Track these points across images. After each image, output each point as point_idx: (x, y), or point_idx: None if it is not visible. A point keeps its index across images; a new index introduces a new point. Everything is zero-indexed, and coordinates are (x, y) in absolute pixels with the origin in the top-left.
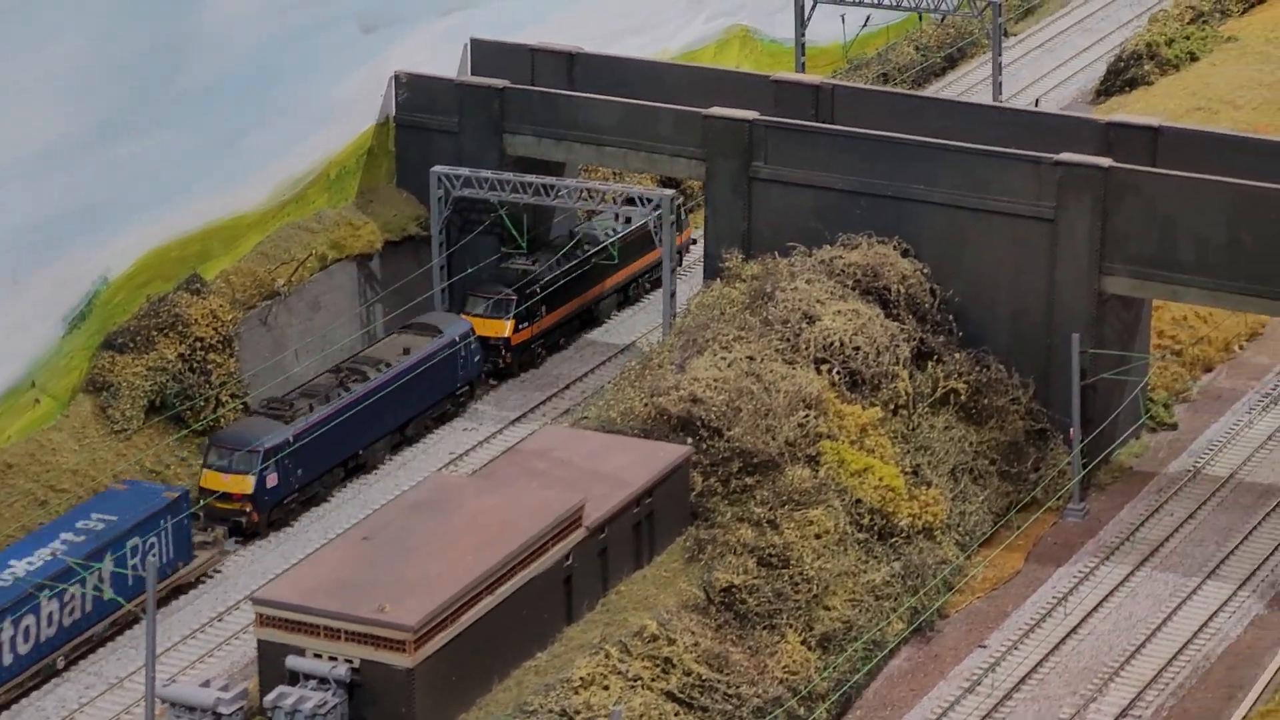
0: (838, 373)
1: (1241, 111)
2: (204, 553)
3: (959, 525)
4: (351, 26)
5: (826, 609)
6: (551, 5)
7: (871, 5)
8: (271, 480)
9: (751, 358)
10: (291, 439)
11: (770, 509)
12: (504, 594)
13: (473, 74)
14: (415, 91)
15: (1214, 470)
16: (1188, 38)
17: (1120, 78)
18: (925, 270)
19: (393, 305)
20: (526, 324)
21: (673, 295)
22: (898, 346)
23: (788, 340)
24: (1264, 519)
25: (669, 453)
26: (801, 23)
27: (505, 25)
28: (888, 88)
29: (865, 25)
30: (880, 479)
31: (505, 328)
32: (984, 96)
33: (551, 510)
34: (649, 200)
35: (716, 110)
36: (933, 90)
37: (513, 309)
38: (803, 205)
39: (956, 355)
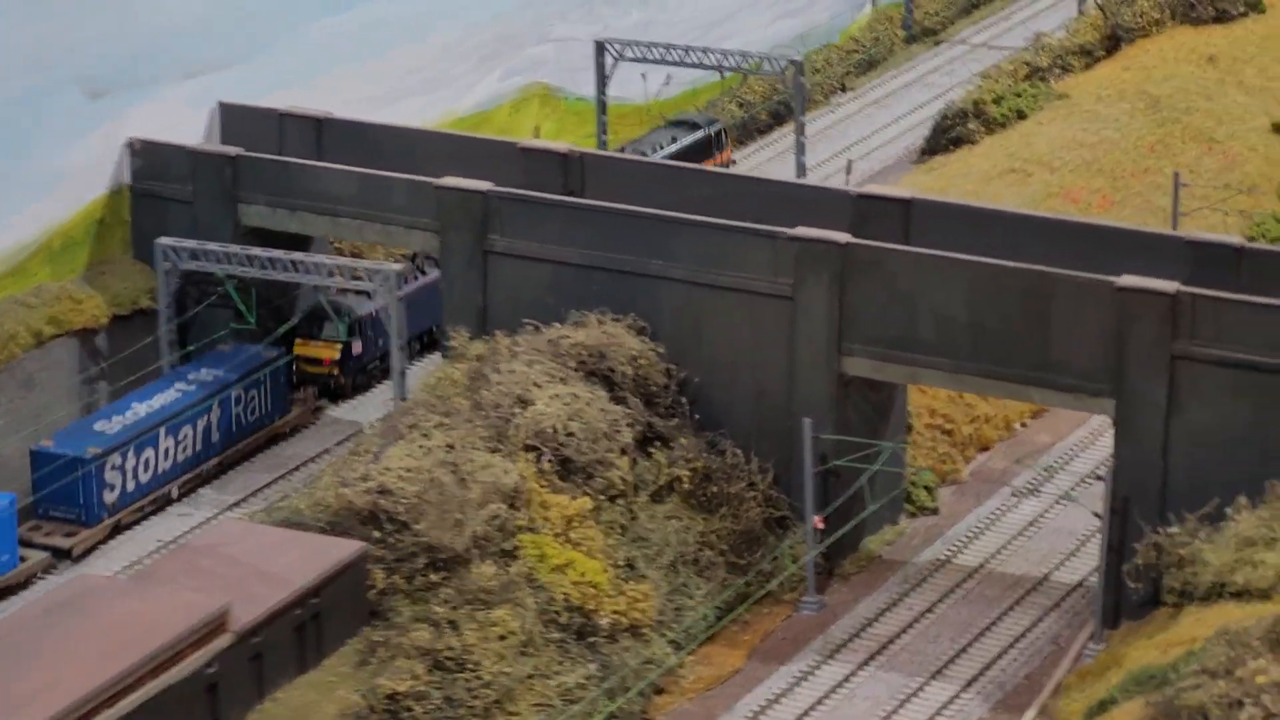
0: (549, 460)
1: (1056, 174)
2: (297, 407)
3: (674, 621)
4: (75, 92)
5: (510, 715)
6: (327, 64)
7: (672, 64)
8: (356, 348)
9: (451, 445)
10: (374, 312)
11: (452, 608)
12: (130, 706)
13: (222, 140)
14: (149, 159)
15: (965, 559)
16: (1018, 94)
17: (946, 136)
18: (660, 349)
19: (118, 380)
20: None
21: (402, 374)
22: (618, 432)
23: (497, 426)
24: (1005, 613)
25: (341, 549)
26: (602, 80)
27: (270, 86)
28: (638, 156)
29: (666, 82)
30: (581, 574)
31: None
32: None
33: (191, 614)
34: (375, 273)
35: (449, 181)
36: (753, 149)
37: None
38: (539, 280)
39: (688, 440)
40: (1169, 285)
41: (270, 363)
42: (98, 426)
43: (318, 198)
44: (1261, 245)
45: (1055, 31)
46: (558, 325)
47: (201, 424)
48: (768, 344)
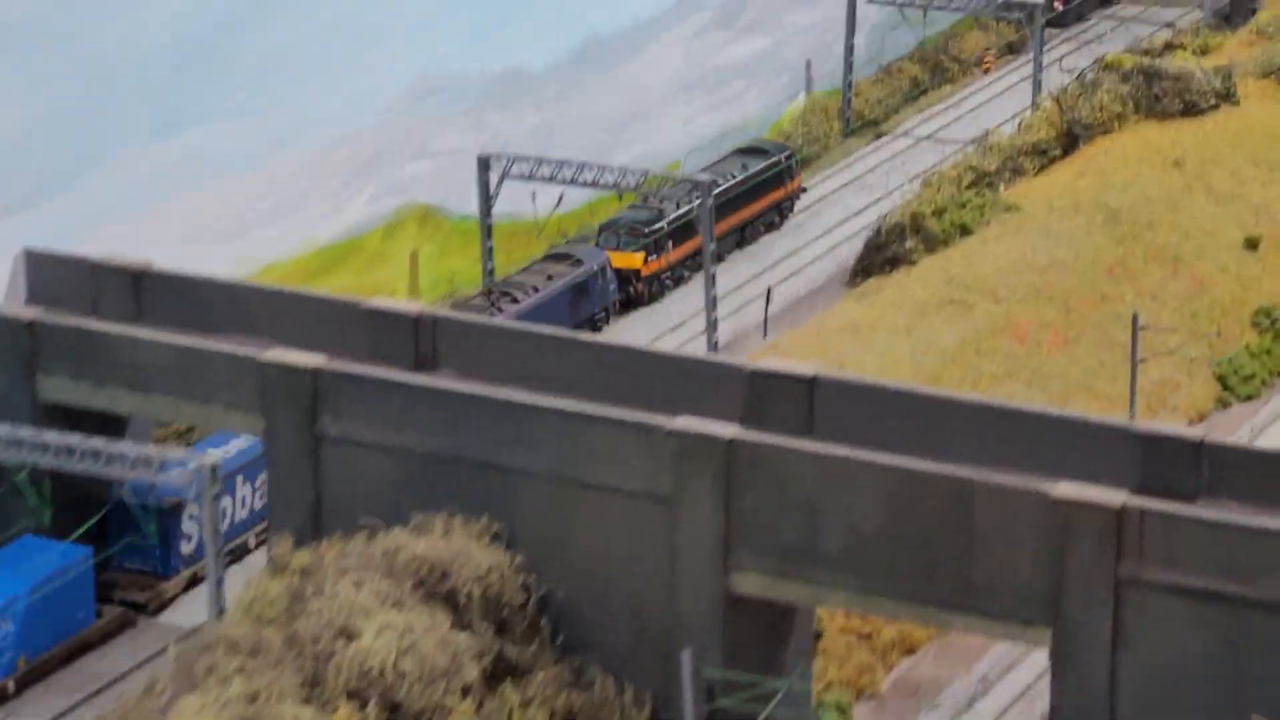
0: (375, 707)
1: (1002, 304)
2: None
3: None
4: None
5: None
6: (161, 194)
7: (564, 182)
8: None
9: (255, 696)
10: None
11: None
12: None
13: (28, 295)
14: None
15: None
16: (963, 205)
17: (881, 254)
18: (517, 559)
19: None
20: (655, 257)
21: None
22: (461, 667)
23: (313, 667)
24: None
25: None
26: (487, 199)
27: (93, 223)
28: (501, 321)
29: (559, 204)
30: None
31: (637, 260)
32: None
33: None
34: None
35: (274, 355)
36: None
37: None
38: (381, 473)
39: (548, 671)
40: (1114, 497)
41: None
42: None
43: (127, 370)
44: (1226, 441)
45: (1006, 126)
46: (398, 531)
47: None
48: (644, 554)
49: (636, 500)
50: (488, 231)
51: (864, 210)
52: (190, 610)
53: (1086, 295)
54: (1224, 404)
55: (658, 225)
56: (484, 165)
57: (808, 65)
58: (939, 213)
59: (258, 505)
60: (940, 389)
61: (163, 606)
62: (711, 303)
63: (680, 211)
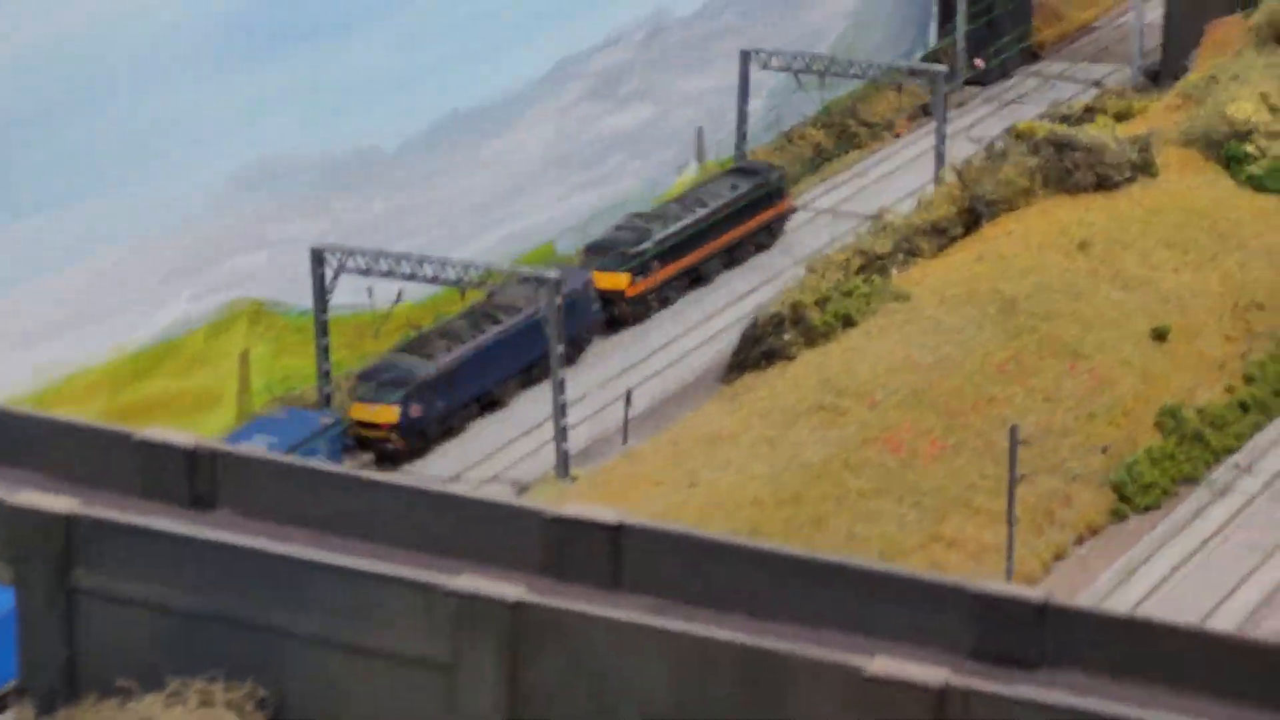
0: None
1: (877, 410)
2: None
3: None
4: None
5: None
6: None
7: (403, 277)
8: (415, 411)
9: None
10: (434, 373)
11: None
12: None
13: None
14: None
15: None
16: (848, 293)
17: (758, 348)
18: None
19: None
20: (641, 278)
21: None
22: None
23: None
24: None
25: None
26: (322, 294)
27: None
28: (284, 457)
29: (399, 299)
30: None
31: (623, 281)
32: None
33: None
34: None
35: (23, 498)
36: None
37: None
38: (140, 630)
39: None
40: (936, 674)
41: (325, 430)
42: None
43: None
44: (1070, 604)
45: (906, 203)
46: (150, 699)
47: None
48: None
49: (413, 667)
50: (323, 329)
51: (752, 293)
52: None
53: (972, 398)
54: (1120, 516)
55: (644, 246)
56: (318, 259)
57: (699, 133)
58: (822, 302)
59: None
60: (759, 540)
61: None
62: (560, 410)
63: (669, 231)
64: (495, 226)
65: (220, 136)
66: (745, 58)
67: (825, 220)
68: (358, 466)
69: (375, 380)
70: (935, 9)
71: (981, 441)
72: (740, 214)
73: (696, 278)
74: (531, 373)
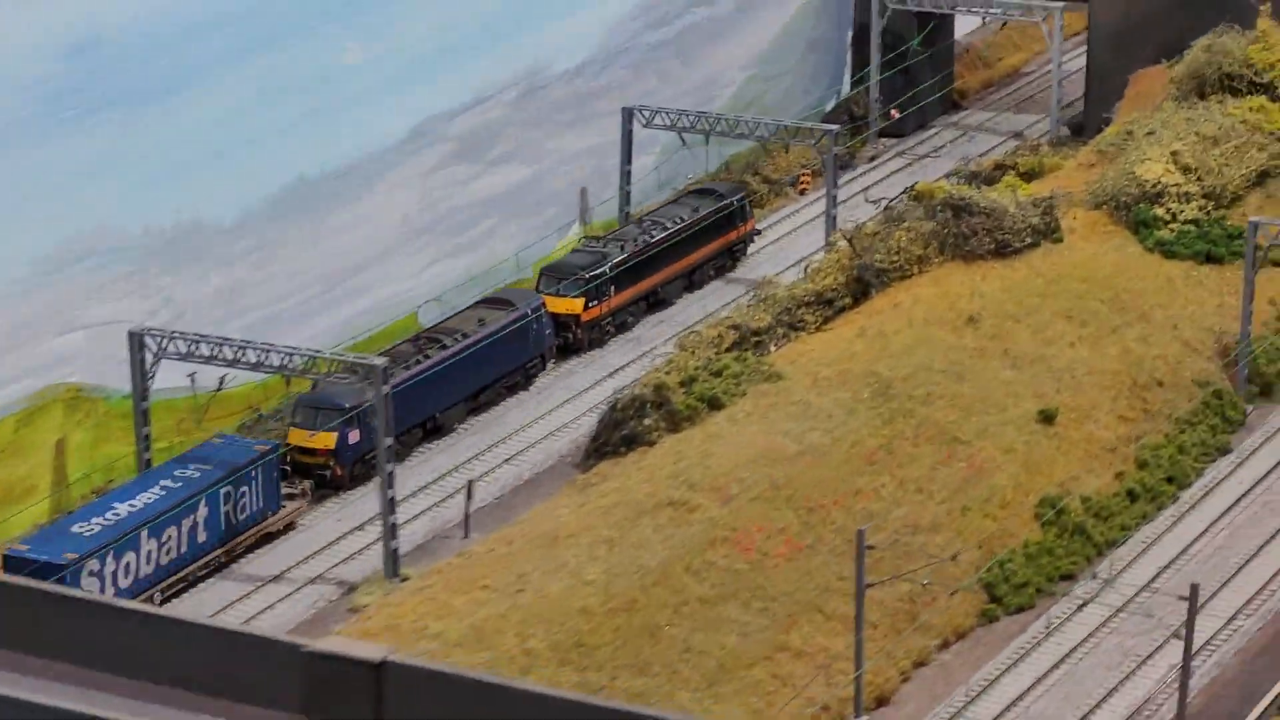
0: None
1: (731, 505)
2: (291, 503)
3: None
4: None
5: None
6: None
7: (225, 363)
8: (353, 437)
9: None
10: (372, 399)
11: None
12: None
13: None
14: None
15: None
16: (718, 373)
17: (618, 432)
18: None
19: None
20: (596, 303)
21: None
22: None
23: None
24: None
25: None
26: (142, 379)
27: None
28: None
29: (220, 386)
30: None
31: (577, 305)
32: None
33: None
34: None
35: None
36: None
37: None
38: None
39: None
40: None
41: (261, 457)
42: (75, 529)
43: None
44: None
45: (792, 270)
46: None
47: (187, 524)
48: None
49: None
50: (144, 416)
51: (624, 369)
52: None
53: (836, 490)
54: (990, 618)
55: (600, 270)
56: (136, 342)
57: (582, 194)
58: (688, 383)
59: (164, 560)
60: (531, 683)
61: None
62: (389, 506)
63: (625, 254)
64: (350, 299)
65: (31, 210)
66: (627, 115)
67: (717, 287)
68: (296, 492)
69: (314, 406)
70: (849, 56)
71: (841, 539)
72: (701, 236)
73: (657, 301)
74: (479, 398)
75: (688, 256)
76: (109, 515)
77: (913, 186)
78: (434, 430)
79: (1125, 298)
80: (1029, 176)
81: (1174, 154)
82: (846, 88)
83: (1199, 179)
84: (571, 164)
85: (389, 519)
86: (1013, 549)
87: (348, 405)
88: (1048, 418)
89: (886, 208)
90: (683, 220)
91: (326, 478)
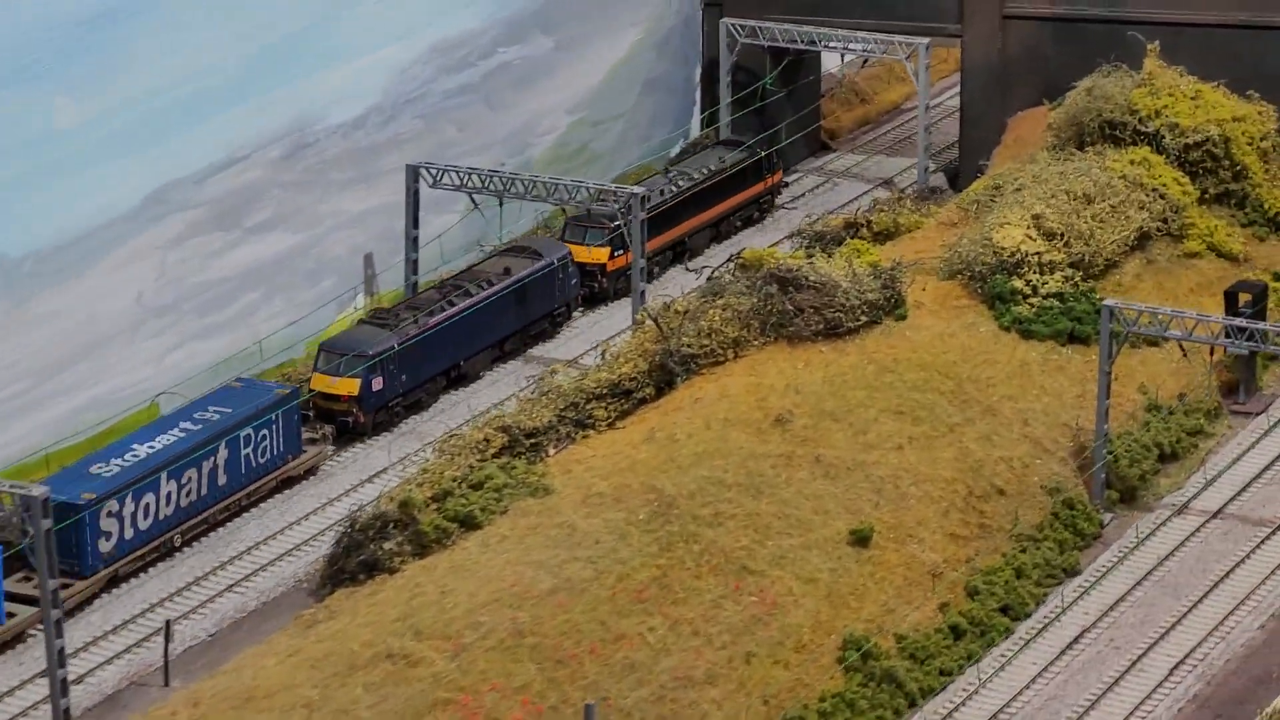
0: None
1: (462, 658)
2: (312, 448)
3: None
4: None
5: None
6: None
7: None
8: (377, 384)
9: None
10: (396, 346)
11: None
12: None
13: None
14: None
15: None
16: (478, 485)
17: (356, 556)
18: None
19: None
20: (620, 252)
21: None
22: None
23: None
24: None
25: None
26: None
27: None
28: None
29: None
30: None
31: (602, 255)
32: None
33: None
34: None
35: None
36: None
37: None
38: None
39: None
40: None
41: (281, 401)
42: (94, 469)
43: None
44: None
45: (594, 355)
46: None
47: (207, 466)
48: None
49: None
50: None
51: (379, 475)
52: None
53: (592, 636)
54: None
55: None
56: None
57: (367, 261)
58: (441, 497)
59: (184, 502)
60: None
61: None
62: (57, 659)
63: (651, 205)
64: (68, 394)
65: None
66: (412, 174)
67: (488, 385)
68: (318, 437)
69: (337, 351)
70: (698, 95)
71: (593, 698)
72: (727, 186)
73: (682, 250)
74: (503, 346)
75: (713, 207)
76: (128, 456)
77: (739, 254)
78: (457, 380)
79: (970, 388)
80: (884, 237)
81: (1036, 218)
82: (696, 128)
83: (1066, 244)
84: (353, 227)
85: (58, 673)
86: (806, 704)
87: (371, 352)
88: (861, 539)
89: (710, 278)
90: (708, 169)
91: (349, 424)
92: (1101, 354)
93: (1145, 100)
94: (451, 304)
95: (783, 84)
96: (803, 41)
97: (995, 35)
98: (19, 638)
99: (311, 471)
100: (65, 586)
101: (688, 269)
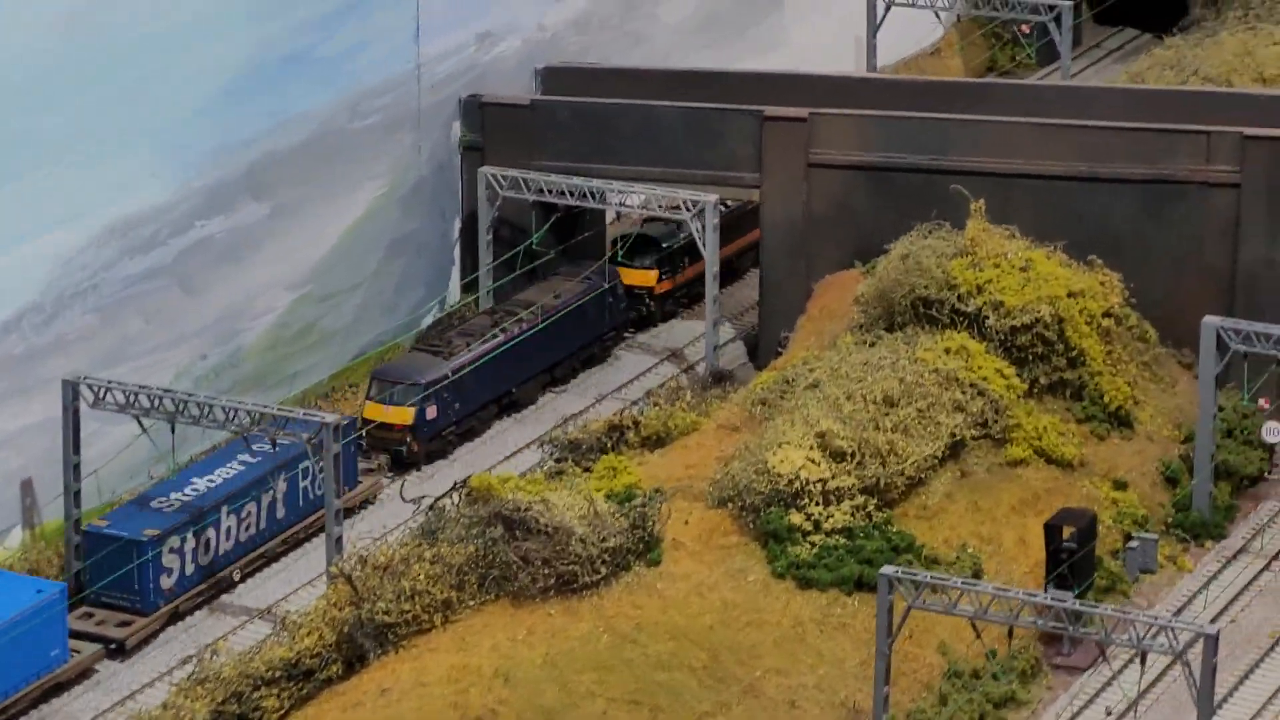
0: None
1: None
2: (368, 478)
3: None
4: None
5: None
6: None
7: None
8: (431, 412)
9: None
10: (449, 374)
11: None
12: None
13: None
14: None
15: None
16: None
17: None
18: None
19: None
20: (668, 275)
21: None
22: None
23: None
24: None
25: None
26: None
27: None
28: None
29: None
30: None
31: (650, 277)
32: None
33: None
34: None
35: None
36: None
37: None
38: None
39: None
40: None
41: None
42: (155, 504)
43: None
44: None
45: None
46: None
47: (266, 500)
48: None
49: None
50: None
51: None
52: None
53: None
54: None
55: (671, 243)
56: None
57: (25, 486)
58: None
59: (243, 536)
60: None
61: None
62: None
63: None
64: None
65: None
66: (70, 390)
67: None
68: (374, 468)
69: (390, 380)
70: (456, 252)
71: None
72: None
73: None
74: (554, 372)
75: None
76: (188, 491)
77: (464, 481)
78: (510, 407)
79: (729, 660)
80: (654, 443)
81: (821, 436)
82: (455, 293)
83: (859, 465)
84: (6, 449)
85: None
86: None
87: (424, 380)
88: None
89: (430, 509)
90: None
91: (403, 454)
92: (879, 631)
93: (965, 273)
94: (503, 330)
95: (558, 239)
96: (573, 195)
97: (799, 186)
98: (84, 674)
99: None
100: (126, 624)
101: (404, 499)
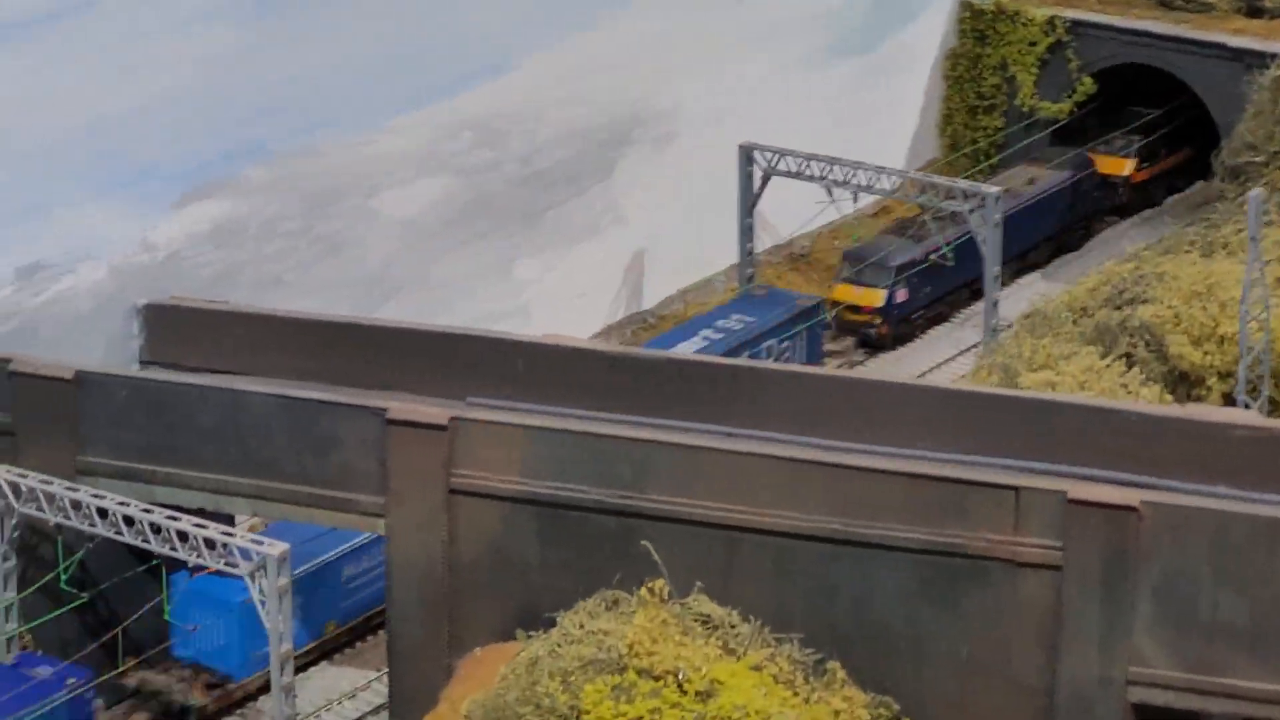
0: None
1: None
2: (833, 360)
3: None
4: None
5: None
6: None
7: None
8: (901, 295)
9: None
10: (921, 257)
11: None
12: None
13: None
14: None
15: None
16: None
17: None
18: None
19: None
20: (1147, 164)
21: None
22: None
23: None
24: None
25: None
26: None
27: None
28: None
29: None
30: None
31: (1127, 166)
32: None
33: None
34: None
35: None
36: None
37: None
38: None
39: None
40: None
41: (805, 312)
42: None
43: None
44: None
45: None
46: None
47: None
48: None
49: None
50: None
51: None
52: None
53: None
54: None
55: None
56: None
57: None
58: None
59: None
60: None
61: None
62: None
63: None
64: None
65: None
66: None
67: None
68: (840, 350)
69: (862, 262)
70: None
71: None
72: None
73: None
74: (1024, 259)
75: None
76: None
77: None
78: (977, 293)
79: None
80: None
81: None
82: None
83: None
84: None
85: None
86: None
87: (896, 264)
88: None
89: None
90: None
91: (871, 336)
92: None
93: (603, 708)
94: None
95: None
96: (111, 522)
97: (438, 520)
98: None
99: None
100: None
101: None
